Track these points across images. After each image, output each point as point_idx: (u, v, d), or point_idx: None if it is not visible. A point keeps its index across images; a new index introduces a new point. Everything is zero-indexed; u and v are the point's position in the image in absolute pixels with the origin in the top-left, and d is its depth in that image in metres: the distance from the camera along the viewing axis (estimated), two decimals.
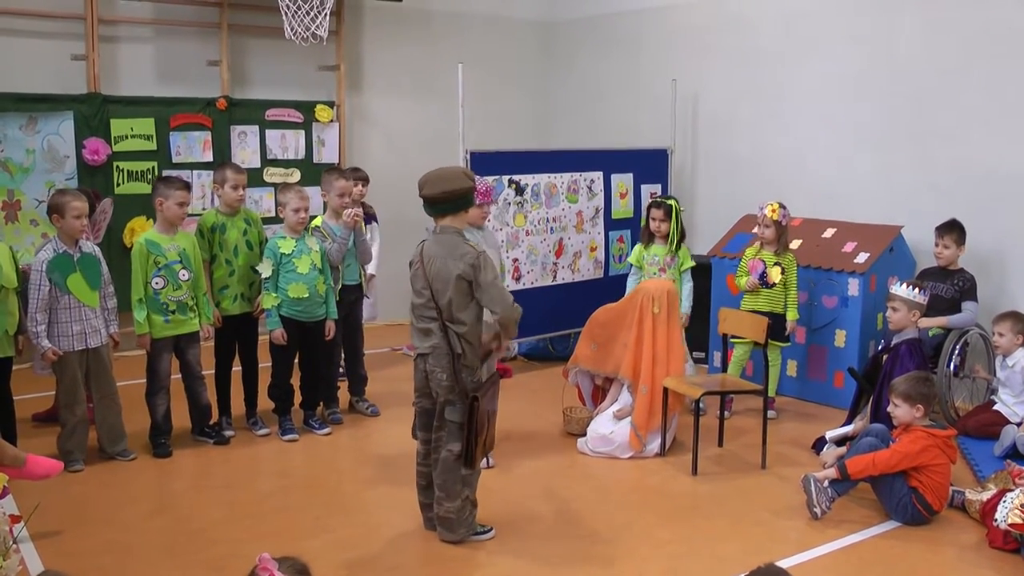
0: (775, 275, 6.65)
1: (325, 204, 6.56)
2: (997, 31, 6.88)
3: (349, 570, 4.41)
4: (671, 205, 7.00)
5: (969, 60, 7.03)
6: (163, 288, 5.76)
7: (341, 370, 6.87)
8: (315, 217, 6.59)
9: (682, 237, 7.05)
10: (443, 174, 4.63)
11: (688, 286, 7.03)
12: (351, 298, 6.67)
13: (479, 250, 4.55)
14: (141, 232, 7.79)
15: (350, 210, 6.36)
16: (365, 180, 7.35)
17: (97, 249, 5.75)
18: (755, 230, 7.56)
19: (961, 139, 7.10)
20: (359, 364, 6.90)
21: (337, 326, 6.39)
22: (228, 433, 6.17)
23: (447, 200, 4.58)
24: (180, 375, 6.03)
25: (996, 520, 4.61)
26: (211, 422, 6.17)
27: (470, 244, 4.57)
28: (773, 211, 6.65)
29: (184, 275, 5.82)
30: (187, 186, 5.95)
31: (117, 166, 7.88)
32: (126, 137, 7.91)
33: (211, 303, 6.06)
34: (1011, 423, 5.94)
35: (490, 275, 4.52)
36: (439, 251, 4.57)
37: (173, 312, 5.81)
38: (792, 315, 6.71)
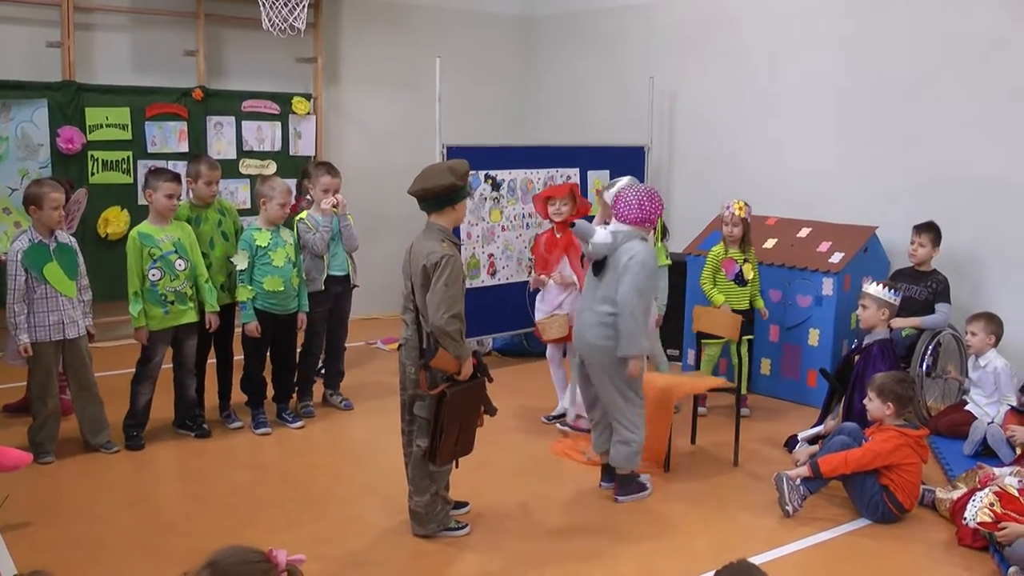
0: (748, 272, 6.68)
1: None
2: (974, 38, 6.93)
3: (320, 563, 4.39)
4: None
5: (946, 65, 7.08)
6: (160, 279, 5.71)
7: (320, 364, 6.81)
8: (300, 212, 6.60)
9: (663, 235, 7.04)
10: (428, 171, 4.59)
11: (661, 284, 6.91)
12: (338, 289, 6.58)
13: (449, 252, 4.44)
14: (115, 222, 7.80)
15: (329, 198, 6.36)
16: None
17: (73, 240, 5.69)
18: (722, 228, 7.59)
19: (936, 142, 7.16)
20: (339, 359, 6.85)
21: (317, 319, 6.38)
22: (205, 426, 6.13)
23: (426, 197, 4.55)
24: (171, 365, 6.00)
25: (965, 518, 4.65)
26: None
27: (445, 244, 4.48)
28: (740, 209, 6.63)
29: (181, 264, 5.78)
30: (176, 177, 5.88)
31: (92, 155, 7.81)
32: (101, 126, 7.84)
33: (214, 289, 6.01)
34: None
35: (442, 280, 4.37)
36: (418, 247, 4.55)
37: (172, 303, 5.77)
38: (760, 303, 6.75)
